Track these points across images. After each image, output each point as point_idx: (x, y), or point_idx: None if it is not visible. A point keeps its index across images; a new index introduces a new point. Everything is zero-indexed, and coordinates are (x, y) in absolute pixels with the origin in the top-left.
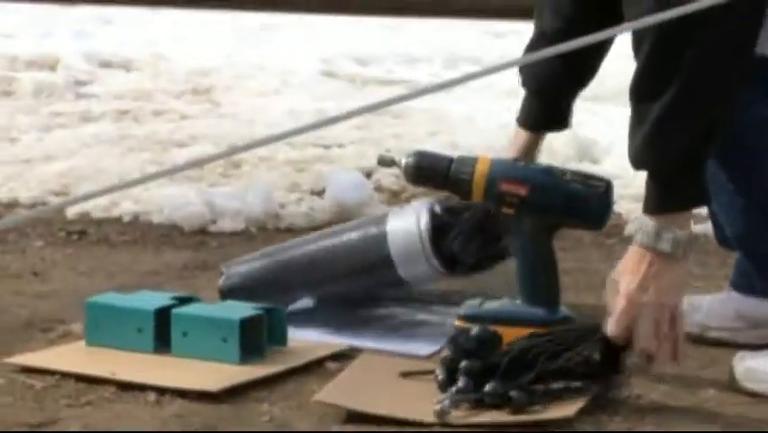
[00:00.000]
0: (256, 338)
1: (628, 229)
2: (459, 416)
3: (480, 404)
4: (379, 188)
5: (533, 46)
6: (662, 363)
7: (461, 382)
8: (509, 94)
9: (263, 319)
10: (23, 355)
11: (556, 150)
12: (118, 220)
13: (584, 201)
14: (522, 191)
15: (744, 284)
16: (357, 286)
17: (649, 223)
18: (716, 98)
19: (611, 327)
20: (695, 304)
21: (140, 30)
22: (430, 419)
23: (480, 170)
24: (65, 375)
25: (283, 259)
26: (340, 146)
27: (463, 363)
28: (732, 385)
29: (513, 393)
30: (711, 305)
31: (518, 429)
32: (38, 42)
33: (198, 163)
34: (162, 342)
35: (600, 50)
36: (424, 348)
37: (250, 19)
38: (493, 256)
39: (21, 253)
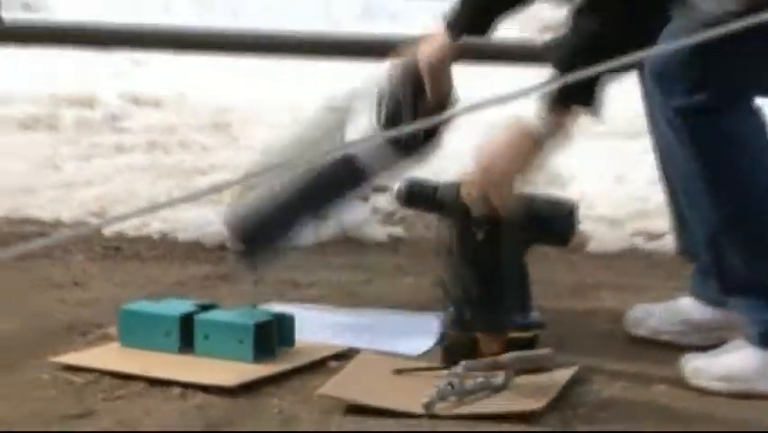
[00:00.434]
0: (268, 340)
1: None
2: (444, 408)
3: (463, 397)
4: (375, 210)
5: None
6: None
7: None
8: None
9: (274, 324)
10: (66, 355)
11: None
12: (148, 238)
13: (552, 222)
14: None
15: (696, 292)
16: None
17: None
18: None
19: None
20: (649, 310)
21: (167, 71)
22: (419, 410)
23: (464, 194)
24: (102, 373)
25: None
26: None
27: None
28: (681, 382)
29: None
30: (662, 312)
31: (494, 419)
32: (78, 83)
33: (218, 189)
34: (186, 343)
35: None
36: (413, 349)
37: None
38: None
39: (64, 266)
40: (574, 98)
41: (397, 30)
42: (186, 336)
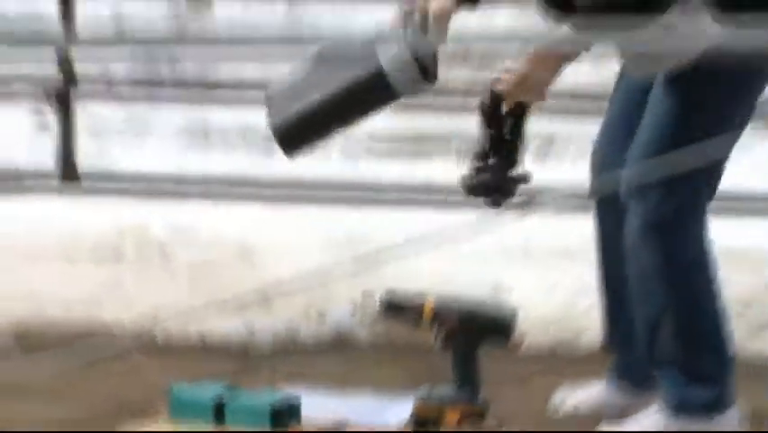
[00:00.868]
0: (281, 417)
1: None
2: None
3: None
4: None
5: None
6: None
7: None
8: None
9: (286, 405)
10: (127, 425)
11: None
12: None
13: (495, 324)
14: (455, 318)
15: (615, 379)
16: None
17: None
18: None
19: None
20: (573, 393)
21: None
22: None
23: (428, 306)
24: None
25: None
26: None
27: None
28: None
29: None
30: (583, 394)
31: None
32: (135, 216)
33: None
34: (220, 417)
35: None
36: (393, 420)
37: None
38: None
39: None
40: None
41: None
42: (220, 411)
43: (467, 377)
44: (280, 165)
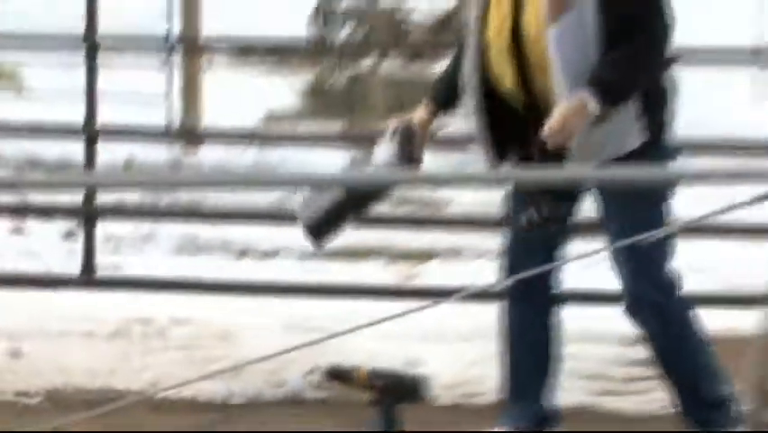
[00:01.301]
0: None
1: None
2: None
3: None
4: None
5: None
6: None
7: None
8: None
9: None
10: None
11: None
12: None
13: (411, 388)
14: (382, 383)
15: (506, 423)
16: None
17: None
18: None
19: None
20: None
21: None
22: None
23: (362, 374)
24: None
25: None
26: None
27: None
28: None
29: None
30: None
31: None
32: (140, 307)
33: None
34: None
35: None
36: None
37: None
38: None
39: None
40: (615, 100)
41: None
42: None
43: (391, 425)
44: (252, 267)
